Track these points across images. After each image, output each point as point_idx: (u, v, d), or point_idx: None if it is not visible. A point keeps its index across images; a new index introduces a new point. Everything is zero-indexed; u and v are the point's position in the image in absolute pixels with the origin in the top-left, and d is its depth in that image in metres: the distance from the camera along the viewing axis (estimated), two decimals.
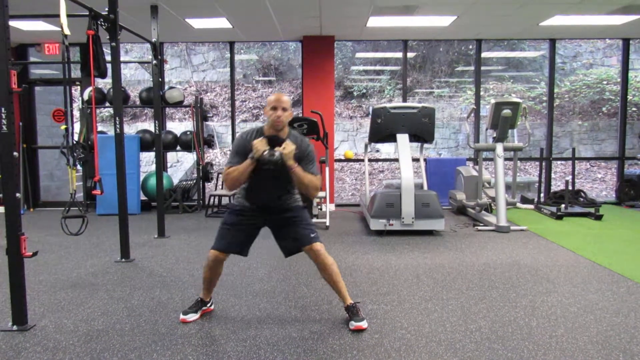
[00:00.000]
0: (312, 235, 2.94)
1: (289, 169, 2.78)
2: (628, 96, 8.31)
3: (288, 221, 2.97)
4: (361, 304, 3.19)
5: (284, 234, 3.01)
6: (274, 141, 2.81)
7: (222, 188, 7.84)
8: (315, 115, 6.28)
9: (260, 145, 2.76)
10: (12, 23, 6.40)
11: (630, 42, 8.02)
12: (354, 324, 2.86)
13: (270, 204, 2.98)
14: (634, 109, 12.26)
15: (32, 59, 7.99)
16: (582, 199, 7.50)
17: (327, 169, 6.55)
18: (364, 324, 2.87)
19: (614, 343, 2.66)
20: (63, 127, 3.93)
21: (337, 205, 7.97)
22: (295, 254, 3.07)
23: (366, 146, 6.74)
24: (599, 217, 6.38)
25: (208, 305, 3.17)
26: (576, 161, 7.77)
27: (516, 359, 2.48)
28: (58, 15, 3.53)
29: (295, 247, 2.99)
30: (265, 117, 2.92)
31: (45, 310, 3.23)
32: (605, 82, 13.06)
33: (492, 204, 6.41)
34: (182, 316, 3.03)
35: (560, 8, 6.02)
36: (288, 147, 2.77)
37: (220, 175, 7.80)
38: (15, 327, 2.89)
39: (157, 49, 5.58)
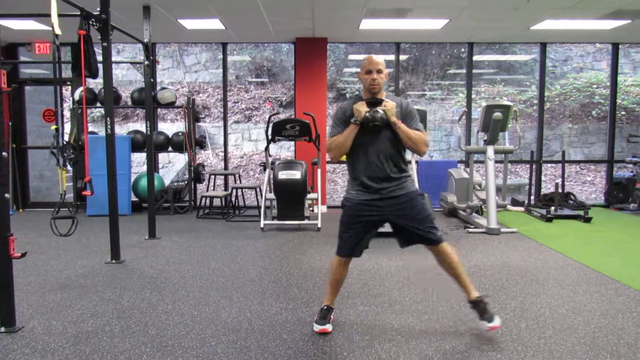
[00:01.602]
0: (436, 236, 2.84)
1: (393, 126, 2.71)
2: (617, 100, 8.40)
3: (406, 212, 2.82)
4: (351, 306, 3.18)
5: (404, 227, 2.85)
6: (374, 103, 2.74)
7: (213, 189, 7.83)
8: (307, 116, 6.29)
9: (361, 107, 2.71)
10: (3, 22, 6.39)
11: (620, 46, 8.11)
12: (487, 325, 2.75)
13: (384, 179, 2.78)
14: (623, 112, 12.39)
15: (22, 59, 7.93)
16: (571, 202, 7.56)
17: (319, 171, 6.55)
18: (497, 322, 2.75)
19: (601, 344, 2.68)
20: (53, 127, 3.91)
21: (329, 207, 7.97)
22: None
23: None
24: (588, 220, 6.44)
25: (333, 312, 3.02)
26: (566, 164, 7.84)
27: None
28: (49, 15, 3.51)
29: (415, 241, 2.89)
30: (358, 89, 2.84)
31: (33, 311, 3.21)
32: (595, 86, 13.18)
33: (483, 206, 6.44)
34: (320, 327, 2.86)
35: (551, 12, 6.08)
36: (389, 105, 2.70)
37: (212, 177, 7.78)
38: (3, 329, 2.87)
39: (149, 50, 5.56)
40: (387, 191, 2.81)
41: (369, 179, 2.80)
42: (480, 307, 2.81)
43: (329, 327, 2.87)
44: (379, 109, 2.70)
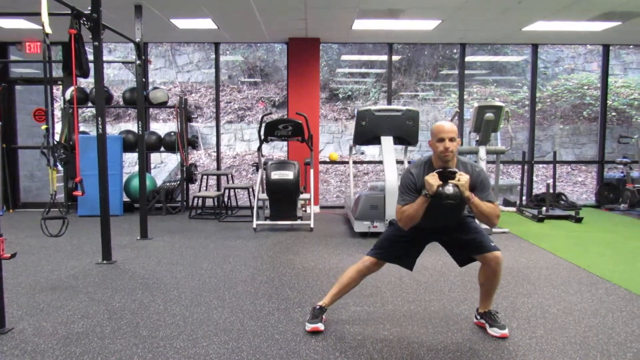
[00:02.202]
0: (492, 243, 2.78)
1: (467, 201, 2.62)
2: (608, 101, 8.47)
3: (457, 229, 2.84)
4: (343, 306, 3.19)
5: (458, 245, 2.87)
6: (447, 174, 2.63)
7: (206, 189, 7.80)
8: (300, 117, 6.29)
9: (433, 180, 2.60)
10: None
11: (610, 48, 8.17)
12: (500, 332, 2.79)
13: (442, 228, 2.85)
14: (613, 113, 12.50)
15: (12, 58, 7.87)
16: (562, 202, 7.61)
17: (312, 171, 6.55)
18: (507, 331, 2.80)
19: (592, 343, 2.70)
20: (44, 127, 3.88)
21: (322, 207, 7.98)
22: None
23: (351, 148, 6.76)
24: (579, 220, 6.48)
25: (326, 313, 3.00)
26: (557, 165, 7.89)
27: None
28: (40, 14, 3.49)
29: (473, 254, 2.84)
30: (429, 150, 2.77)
31: (23, 313, 3.18)
32: (586, 87, 13.28)
33: None
34: (311, 325, 2.86)
35: (542, 14, 6.12)
36: (463, 179, 2.59)
37: (204, 177, 7.76)
38: None
39: (141, 49, 5.54)
40: (439, 228, 2.87)
41: (426, 226, 2.82)
42: (492, 317, 2.87)
43: (320, 326, 2.87)
44: (452, 185, 2.58)
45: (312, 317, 2.92)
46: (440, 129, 2.67)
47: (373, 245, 2.95)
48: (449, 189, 2.57)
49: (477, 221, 2.88)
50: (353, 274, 2.92)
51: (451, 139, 2.65)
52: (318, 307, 2.95)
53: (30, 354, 2.57)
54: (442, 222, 2.84)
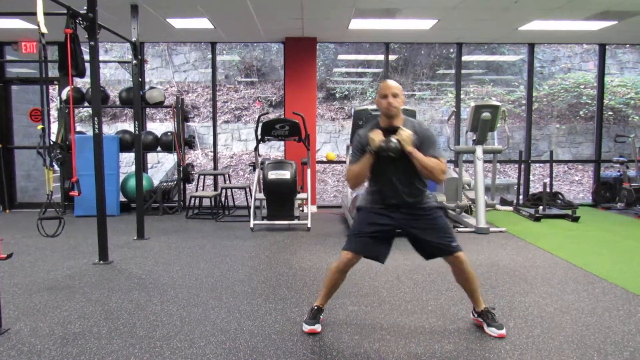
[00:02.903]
0: (454, 244, 2.80)
1: (409, 155, 2.67)
2: (604, 100, 8.49)
3: (421, 224, 2.82)
4: (340, 306, 3.19)
5: (422, 236, 2.84)
6: (389, 131, 2.71)
7: (203, 189, 7.79)
8: (297, 116, 6.28)
9: (375, 135, 2.68)
10: None
11: (607, 47, 8.19)
12: (497, 332, 2.79)
13: (401, 203, 2.80)
14: (610, 113, 12.53)
15: (8, 57, 7.84)
16: (559, 201, 7.63)
17: (309, 171, 6.55)
18: (505, 331, 2.80)
19: (588, 342, 2.71)
20: (40, 127, 3.87)
21: (319, 207, 7.97)
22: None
23: (348, 148, 6.76)
24: (575, 219, 6.50)
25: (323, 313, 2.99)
26: (554, 164, 7.91)
27: (493, 359, 2.51)
28: (35, 13, 3.47)
29: (436, 252, 2.87)
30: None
31: (20, 313, 3.17)
32: (582, 86, 13.32)
33: (472, 206, 6.48)
34: (308, 327, 2.85)
35: (538, 13, 6.13)
36: (404, 134, 2.66)
37: (201, 177, 7.75)
38: None
39: (138, 49, 5.52)
40: (403, 207, 2.82)
41: (385, 201, 2.82)
42: (489, 316, 2.87)
43: (317, 328, 2.87)
44: (393, 139, 2.65)
45: (309, 317, 2.91)
46: (384, 86, 2.75)
47: (347, 238, 2.94)
48: (390, 142, 2.65)
49: (443, 218, 2.89)
50: (335, 274, 2.91)
51: (394, 95, 2.72)
52: (315, 307, 2.95)
53: (27, 355, 2.56)
54: (397, 195, 2.78)
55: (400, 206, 2.82)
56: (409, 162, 2.70)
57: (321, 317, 2.96)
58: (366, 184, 2.93)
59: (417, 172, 2.75)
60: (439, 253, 2.84)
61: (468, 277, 2.85)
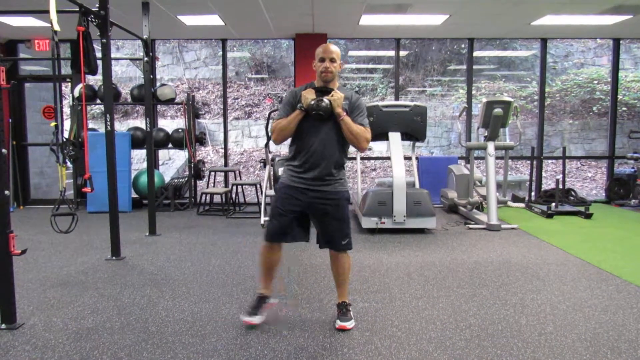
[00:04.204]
0: (344, 242, 2.87)
1: (338, 117, 2.71)
2: (618, 96, 8.37)
3: (328, 209, 2.83)
4: (351, 302, 3.19)
5: (323, 228, 2.89)
6: (323, 92, 2.76)
7: (213, 186, 7.82)
8: None
9: (308, 94, 2.72)
10: (2, 19, 6.38)
11: (621, 42, 8.08)
12: (338, 323, 2.85)
13: (320, 171, 2.78)
14: (624, 108, 12.36)
15: (22, 55, 7.91)
16: (572, 198, 7.56)
17: None
18: (349, 324, 2.84)
19: (602, 340, 2.68)
20: (53, 124, 3.89)
21: None
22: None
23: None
24: (588, 216, 6.43)
25: (269, 300, 3.02)
26: (567, 160, 7.83)
27: (505, 356, 2.49)
28: (48, 11, 3.49)
29: (329, 244, 2.93)
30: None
31: (34, 308, 3.21)
32: (595, 82, 13.16)
33: (484, 203, 6.44)
34: (245, 318, 2.90)
35: (551, 8, 6.05)
36: (336, 95, 2.71)
37: (212, 173, 7.78)
38: (3, 326, 2.87)
39: (149, 46, 5.55)
40: (317, 184, 2.81)
41: (305, 166, 2.81)
42: (341, 310, 2.91)
43: (255, 320, 2.89)
44: (325, 99, 2.70)
45: (251, 307, 2.94)
46: (322, 49, 2.77)
47: (267, 222, 2.97)
48: (321, 101, 2.70)
49: (347, 211, 2.92)
50: (265, 259, 2.97)
51: (332, 60, 2.75)
52: (259, 295, 2.99)
53: (41, 349, 2.59)
54: (319, 159, 2.78)
55: (313, 181, 2.80)
56: (335, 127, 2.76)
57: (267, 304, 2.98)
58: (288, 151, 2.95)
59: (341, 141, 2.81)
60: (328, 244, 2.92)
61: (342, 271, 2.94)
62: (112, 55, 4.58)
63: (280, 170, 5.91)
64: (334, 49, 2.78)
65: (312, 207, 2.85)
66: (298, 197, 2.83)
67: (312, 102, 2.70)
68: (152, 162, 5.85)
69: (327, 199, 2.83)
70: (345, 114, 2.74)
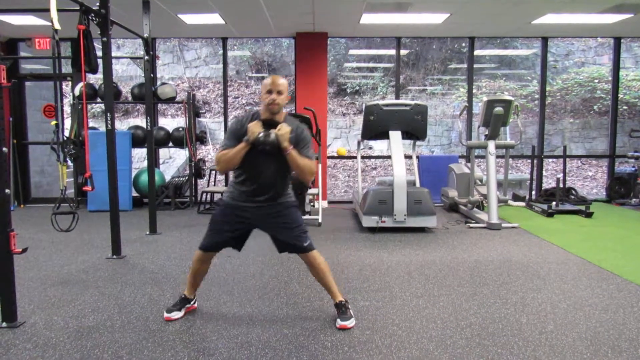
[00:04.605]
0: (306, 244, 2.91)
1: (284, 151, 2.73)
2: (619, 95, 8.37)
3: (279, 221, 2.92)
4: (352, 301, 3.20)
5: (277, 235, 2.96)
6: (270, 124, 2.76)
7: (214, 184, 7.82)
8: (308, 112, 6.27)
9: (255, 127, 2.72)
10: (2, 17, 6.38)
11: (622, 40, 8.07)
12: (339, 323, 2.86)
13: (264, 195, 2.87)
14: (624, 107, 12.35)
15: (22, 54, 7.92)
16: (573, 197, 7.55)
17: (319, 166, 6.55)
18: (349, 323, 2.85)
19: (602, 339, 2.68)
20: (54, 122, 3.89)
21: (330, 202, 7.97)
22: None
23: (359, 143, 6.74)
24: (589, 215, 6.43)
25: (192, 303, 3.14)
26: (567, 159, 7.82)
27: (506, 355, 2.50)
28: (48, 10, 3.49)
29: (289, 250, 2.99)
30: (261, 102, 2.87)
31: (35, 307, 3.21)
32: (596, 81, 13.14)
33: (484, 202, 6.44)
34: (165, 314, 3.00)
35: (552, 6, 6.05)
36: (283, 129, 2.72)
37: (212, 172, 7.78)
38: (4, 324, 2.87)
39: (149, 45, 5.55)
40: (265, 204, 2.91)
41: (253, 192, 2.88)
42: (341, 309, 2.93)
43: (174, 315, 2.99)
44: (272, 133, 2.70)
45: (172, 304, 3.06)
46: (270, 81, 2.79)
47: (205, 234, 3.03)
48: (268, 135, 2.69)
49: (299, 214, 2.99)
50: (195, 267, 3.05)
51: (279, 92, 2.77)
52: (183, 296, 3.09)
53: (42, 348, 2.60)
54: (263, 189, 2.86)
55: (261, 202, 2.89)
56: (281, 159, 2.78)
57: (187, 306, 3.08)
58: (233, 173, 2.99)
59: (286, 170, 2.87)
60: (291, 250, 2.97)
61: (321, 273, 2.96)
62: (113, 54, 4.58)
63: None
64: (282, 81, 2.81)
65: (263, 222, 2.94)
66: (245, 216, 2.92)
67: (260, 136, 2.69)
68: (153, 161, 5.85)
69: (278, 211, 2.92)
70: (291, 147, 2.75)
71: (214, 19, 6.54)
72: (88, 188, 4.12)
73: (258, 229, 3.00)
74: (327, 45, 7.65)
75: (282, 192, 2.93)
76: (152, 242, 5.16)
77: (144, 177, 7.08)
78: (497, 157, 6.10)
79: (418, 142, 6.78)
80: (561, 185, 7.17)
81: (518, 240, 5.16)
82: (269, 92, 2.77)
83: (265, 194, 2.88)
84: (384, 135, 6.00)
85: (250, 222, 2.94)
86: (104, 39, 4.33)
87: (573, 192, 7.68)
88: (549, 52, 8.93)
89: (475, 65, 8.16)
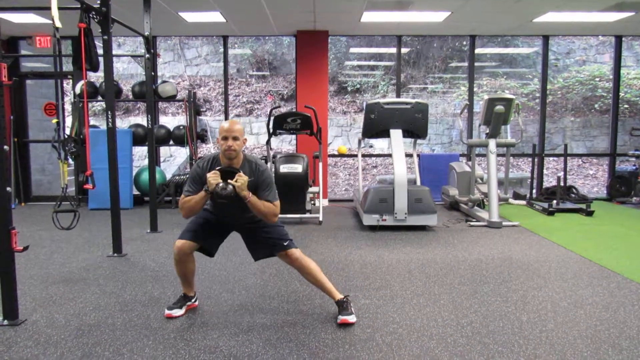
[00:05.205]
0: (287, 242, 2.94)
1: (244, 199, 2.75)
2: (620, 93, 8.36)
3: (257, 226, 2.98)
4: (352, 299, 3.20)
5: (253, 240, 3.01)
6: (227, 173, 2.76)
7: None
8: (308, 110, 6.28)
9: (213, 179, 2.73)
10: (3, 15, 6.38)
11: (623, 39, 8.06)
12: (340, 318, 2.87)
13: (235, 222, 3.03)
14: (625, 105, 12.34)
15: (23, 52, 7.91)
16: (573, 195, 7.55)
17: (320, 165, 6.55)
18: (350, 319, 2.86)
19: (603, 337, 2.69)
20: (55, 121, 3.91)
21: (331, 201, 7.97)
22: (265, 258, 3.09)
23: (359, 141, 6.74)
24: (590, 213, 6.43)
25: (192, 300, 3.15)
26: (568, 157, 7.82)
27: (507, 353, 2.50)
28: (49, 8, 3.50)
29: (267, 253, 3.01)
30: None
31: (36, 304, 3.22)
32: (597, 79, 13.12)
33: (485, 200, 6.44)
34: (167, 311, 3.02)
35: (553, 4, 6.04)
36: (240, 179, 2.72)
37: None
38: (6, 322, 2.88)
39: (150, 43, 5.54)
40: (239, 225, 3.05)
41: (221, 220, 3.02)
42: (342, 305, 2.94)
43: (175, 312, 3.01)
44: (230, 184, 2.71)
45: (173, 302, 3.09)
46: (224, 128, 2.80)
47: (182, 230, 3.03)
48: (225, 188, 2.71)
49: (275, 228, 3.01)
50: (178, 267, 3.02)
51: (234, 138, 2.78)
52: (182, 294, 3.12)
53: (44, 345, 2.60)
54: (233, 218, 2.99)
55: (237, 222, 3.03)
56: (243, 203, 2.81)
57: (188, 303, 3.10)
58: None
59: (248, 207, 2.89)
60: (272, 251, 2.98)
61: (312, 273, 2.98)
62: (114, 52, 4.58)
63: (282, 168, 5.93)
64: (237, 127, 2.81)
65: (241, 230, 3.06)
66: (224, 222, 3.04)
67: (217, 189, 2.71)
68: (154, 159, 5.86)
69: (252, 227, 3.00)
70: (250, 194, 2.77)
71: (215, 17, 6.54)
72: (89, 186, 4.13)
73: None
74: (328, 43, 7.64)
75: (254, 218, 2.96)
76: (153, 240, 5.17)
77: (145, 175, 7.09)
78: (498, 155, 6.10)
79: (419, 141, 6.78)
80: (562, 183, 7.17)
81: (519, 239, 5.16)
82: (225, 138, 2.78)
83: (237, 223, 3.03)
84: (385, 134, 6.00)
85: (226, 228, 3.08)
86: (105, 37, 4.33)
87: (574, 190, 7.67)
88: (550, 51, 8.92)
89: (476, 64, 8.15)
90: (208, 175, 2.76)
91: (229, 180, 2.73)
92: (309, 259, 3.01)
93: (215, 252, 3.10)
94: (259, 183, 2.88)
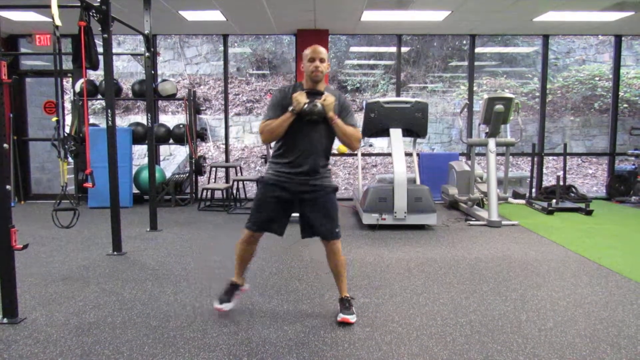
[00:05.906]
0: (336, 230, 2.92)
1: (330, 121, 2.75)
2: (619, 92, 8.37)
3: (318, 204, 2.89)
4: (354, 299, 3.20)
5: (313, 217, 2.92)
6: (314, 94, 2.77)
7: (214, 181, 7.83)
8: None
9: (300, 97, 2.72)
10: (3, 13, 6.37)
11: (623, 38, 8.07)
12: (341, 316, 2.87)
13: (309, 169, 2.84)
14: (625, 105, 12.33)
15: (23, 50, 7.91)
16: (573, 194, 7.55)
17: None
18: (351, 318, 2.86)
19: (601, 336, 2.69)
20: (54, 119, 3.90)
21: None
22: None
23: (359, 140, 6.72)
24: (589, 213, 6.43)
25: (242, 287, 3.13)
26: (567, 157, 7.82)
27: (505, 352, 2.50)
28: (49, 6, 3.49)
29: (315, 234, 2.96)
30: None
31: (36, 303, 3.22)
32: (597, 79, 13.13)
33: (484, 199, 6.44)
34: (216, 305, 2.99)
35: (553, 4, 6.04)
36: (329, 99, 2.73)
37: (213, 169, 7.78)
38: (5, 320, 2.88)
39: (150, 41, 5.54)
40: (306, 179, 2.88)
41: (294, 163, 2.86)
42: (345, 304, 2.94)
43: (225, 307, 2.99)
44: (318, 103, 2.71)
45: (222, 292, 3.04)
46: (311, 50, 2.81)
47: (249, 215, 2.99)
48: (316, 105, 2.71)
49: (336, 201, 2.97)
50: (243, 247, 3.02)
51: (321, 60, 2.79)
52: (231, 283, 3.08)
53: (43, 344, 2.61)
54: (308, 159, 2.84)
55: (301, 176, 2.86)
56: (325, 128, 2.80)
57: (237, 292, 3.08)
58: (273, 148, 2.99)
59: (328, 141, 2.88)
60: (320, 235, 2.94)
61: (340, 263, 2.97)
62: (114, 51, 4.58)
63: None
64: (323, 49, 2.82)
65: (301, 200, 2.91)
66: (285, 192, 2.90)
67: (306, 107, 2.70)
68: (153, 158, 5.86)
69: (316, 191, 2.89)
70: (337, 117, 2.77)
71: (215, 15, 6.54)
72: (89, 184, 4.12)
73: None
74: (328, 42, 7.64)
75: (322, 164, 2.90)
76: (152, 238, 5.17)
77: (145, 174, 7.09)
78: (498, 154, 6.10)
79: (418, 140, 6.77)
80: (561, 183, 7.17)
81: (518, 238, 5.16)
82: (312, 60, 2.78)
83: (306, 165, 2.84)
84: (385, 133, 5.99)
85: (289, 199, 2.91)
86: (105, 35, 4.33)
87: (573, 189, 7.68)
88: (550, 50, 8.92)
89: (476, 63, 8.16)
90: (294, 95, 2.74)
91: (317, 100, 2.72)
92: (342, 255, 3.00)
93: (284, 231, 3.04)
94: (343, 108, 2.86)
